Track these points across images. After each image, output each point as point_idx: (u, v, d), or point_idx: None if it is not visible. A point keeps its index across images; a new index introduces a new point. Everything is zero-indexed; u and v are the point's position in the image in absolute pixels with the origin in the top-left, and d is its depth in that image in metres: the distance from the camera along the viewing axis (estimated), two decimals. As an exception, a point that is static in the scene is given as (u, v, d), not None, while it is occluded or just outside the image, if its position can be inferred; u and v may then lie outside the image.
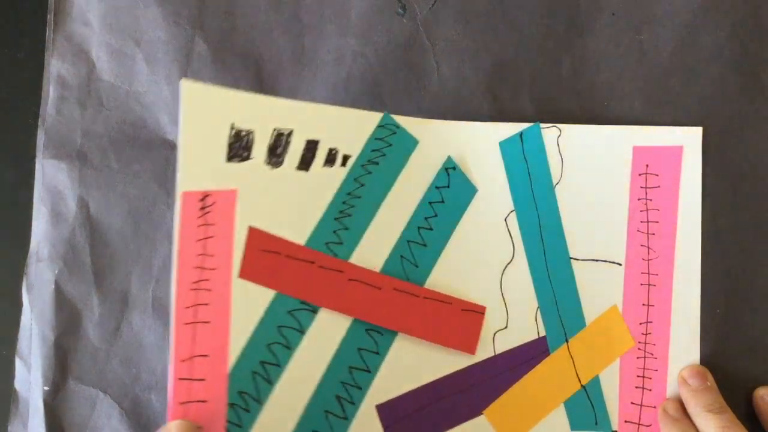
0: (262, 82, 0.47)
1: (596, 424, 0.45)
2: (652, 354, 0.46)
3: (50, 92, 0.47)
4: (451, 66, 0.47)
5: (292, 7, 0.47)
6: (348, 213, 0.45)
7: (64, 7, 0.48)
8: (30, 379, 0.45)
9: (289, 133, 0.44)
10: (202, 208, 0.41)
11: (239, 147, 0.42)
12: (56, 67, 0.47)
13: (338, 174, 0.44)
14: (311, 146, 0.44)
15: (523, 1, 0.47)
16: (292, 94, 0.47)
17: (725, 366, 0.46)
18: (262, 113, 0.43)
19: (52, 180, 0.47)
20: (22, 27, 0.50)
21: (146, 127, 0.47)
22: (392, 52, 0.47)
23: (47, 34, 0.48)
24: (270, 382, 0.42)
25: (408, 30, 0.47)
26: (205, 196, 0.41)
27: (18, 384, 0.46)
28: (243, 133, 0.42)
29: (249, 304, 0.42)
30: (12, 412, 0.45)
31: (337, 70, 0.47)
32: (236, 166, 0.42)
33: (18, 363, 0.46)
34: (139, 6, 0.48)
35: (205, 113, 0.42)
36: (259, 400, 0.42)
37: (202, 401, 0.41)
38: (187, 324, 0.41)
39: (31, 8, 0.49)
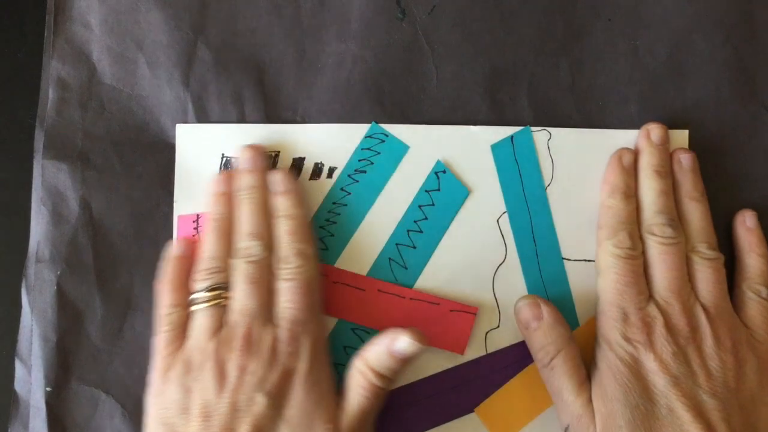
0: (263, 86, 0.47)
1: None
2: None
3: (50, 94, 0.47)
4: (450, 70, 0.47)
5: (293, 12, 0.48)
6: (333, 221, 0.46)
7: (63, 9, 0.47)
8: (30, 380, 0.45)
9: (276, 155, 0.47)
10: (196, 228, 0.46)
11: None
12: (56, 69, 0.47)
13: (324, 185, 0.47)
14: (297, 163, 0.46)
15: (520, 5, 0.48)
16: (292, 97, 0.47)
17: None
18: (250, 140, 0.46)
19: (52, 181, 0.46)
20: (22, 28, 0.49)
21: (148, 131, 0.47)
22: (392, 56, 0.47)
23: (46, 35, 0.47)
24: None
25: (407, 34, 0.48)
26: (199, 217, 0.46)
27: (18, 386, 0.45)
28: (233, 160, 0.46)
29: None
30: (12, 414, 0.45)
31: (337, 73, 0.47)
32: None
33: (18, 364, 0.46)
34: (140, 10, 0.47)
35: (197, 148, 0.46)
36: None
37: None
38: None
39: (32, 9, 0.49)
